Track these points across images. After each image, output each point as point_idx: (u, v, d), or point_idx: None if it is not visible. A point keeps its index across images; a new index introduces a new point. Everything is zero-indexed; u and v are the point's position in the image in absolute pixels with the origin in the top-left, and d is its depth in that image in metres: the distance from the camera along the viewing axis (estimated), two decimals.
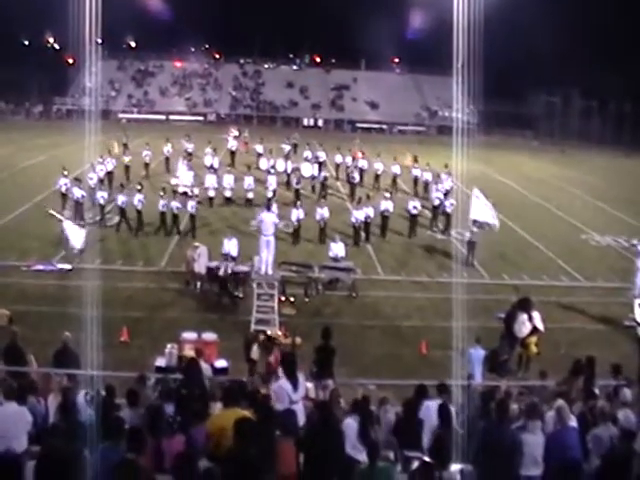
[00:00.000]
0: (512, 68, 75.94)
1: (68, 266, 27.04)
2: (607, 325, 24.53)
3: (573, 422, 11.23)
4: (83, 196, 33.84)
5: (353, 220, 33.25)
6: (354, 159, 47.86)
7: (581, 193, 49.88)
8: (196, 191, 37.29)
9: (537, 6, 70.36)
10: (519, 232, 36.69)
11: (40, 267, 27.02)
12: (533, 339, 20.15)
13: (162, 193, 33.21)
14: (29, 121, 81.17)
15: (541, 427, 11.08)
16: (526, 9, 68.98)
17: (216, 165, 43.49)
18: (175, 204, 32.77)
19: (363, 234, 33.48)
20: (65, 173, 35.32)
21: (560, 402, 11.45)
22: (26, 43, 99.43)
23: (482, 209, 30.01)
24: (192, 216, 32.83)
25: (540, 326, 20.32)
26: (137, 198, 32.63)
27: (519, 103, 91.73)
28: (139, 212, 32.66)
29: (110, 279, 25.51)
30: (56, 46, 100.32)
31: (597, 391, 13.88)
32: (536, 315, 20.36)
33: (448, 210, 35.92)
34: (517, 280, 28.34)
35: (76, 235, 28.32)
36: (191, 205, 32.87)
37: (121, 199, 32.91)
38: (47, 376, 13.81)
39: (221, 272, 25.05)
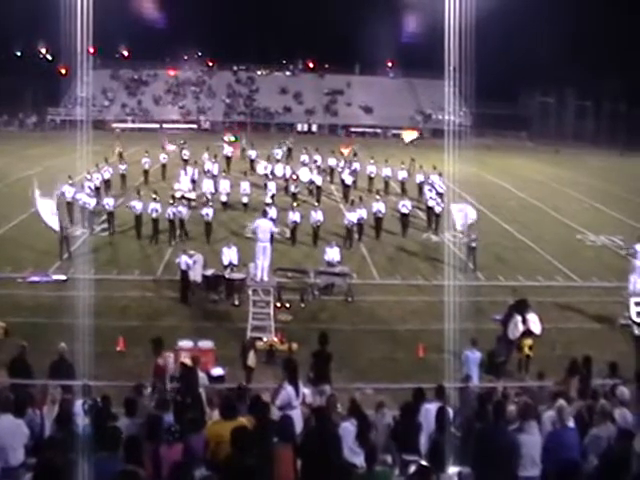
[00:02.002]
0: (506, 69, 76.00)
1: (63, 277, 27.02)
2: (603, 324, 24.57)
3: (571, 422, 11.24)
4: (88, 204, 34.38)
5: (346, 222, 33.65)
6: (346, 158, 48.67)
7: (576, 193, 49.96)
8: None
9: (530, 7, 70.52)
10: (514, 233, 36.74)
11: (35, 278, 26.97)
12: (527, 342, 20.15)
13: (171, 201, 33.81)
14: (23, 132, 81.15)
15: (538, 427, 11.08)
16: (519, 10, 69.13)
17: (215, 171, 44.34)
18: (184, 211, 33.56)
19: (356, 236, 33.82)
20: (70, 181, 35.65)
21: (561, 402, 11.45)
22: (19, 54, 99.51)
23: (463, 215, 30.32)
24: (208, 223, 33.26)
25: (535, 329, 20.31)
26: (152, 207, 33.02)
27: (513, 104, 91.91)
28: (155, 220, 33.01)
29: (106, 289, 25.53)
30: (49, 57, 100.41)
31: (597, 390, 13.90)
32: (532, 318, 20.35)
33: (437, 211, 36.37)
34: (513, 281, 28.38)
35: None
36: (206, 212, 33.41)
37: (137, 206, 33.48)
38: (44, 388, 13.79)
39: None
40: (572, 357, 15.81)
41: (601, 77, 77.30)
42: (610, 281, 28.55)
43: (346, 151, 53.66)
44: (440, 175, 41.56)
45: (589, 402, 12.71)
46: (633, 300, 24.37)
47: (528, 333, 20.26)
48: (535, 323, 20.39)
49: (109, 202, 34.35)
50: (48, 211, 30.00)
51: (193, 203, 37.32)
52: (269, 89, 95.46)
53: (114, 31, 67.56)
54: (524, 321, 20.25)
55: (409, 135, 48.02)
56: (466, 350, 17.62)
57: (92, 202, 34.60)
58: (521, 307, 20.71)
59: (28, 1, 67.72)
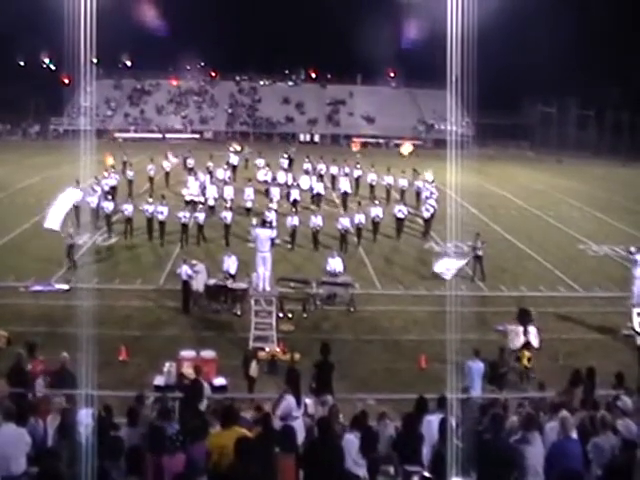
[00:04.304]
0: (508, 79, 75.98)
1: (66, 286, 27.03)
2: (606, 335, 24.50)
3: (574, 433, 11.21)
4: (107, 208, 35.63)
5: (339, 227, 34.25)
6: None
7: (578, 203, 49.92)
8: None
9: (532, 16, 70.66)
10: (516, 243, 36.72)
11: (38, 287, 26.99)
12: (526, 353, 20.19)
13: (190, 205, 36.10)
14: (26, 141, 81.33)
15: (541, 438, 11.05)
16: (521, 20, 69.29)
17: (227, 178, 45.64)
18: (201, 216, 34.84)
19: (355, 240, 34.91)
20: (78, 186, 35.94)
21: (564, 413, 11.43)
22: (22, 64, 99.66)
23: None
24: (227, 226, 34.51)
25: (534, 342, 20.36)
26: (159, 209, 34.24)
27: (515, 114, 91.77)
28: (162, 223, 34.22)
29: (108, 298, 25.57)
30: (52, 66, 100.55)
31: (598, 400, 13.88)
32: (532, 330, 20.43)
33: (426, 216, 37.29)
34: (515, 292, 28.36)
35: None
36: (224, 216, 34.60)
37: (149, 209, 34.63)
38: (46, 397, 13.79)
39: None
40: (575, 368, 15.81)
41: (603, 86, 77.25)
42: (612, 291, 28.54)
43: (356, 148, 54.12)
44: (432, 182, 42.67)
45: (591, 412, 12.68)
46: (636, 310, 24.39)
47: (527, 345, 20.31)
48: (535, 336, 20.47)
49: (128, 207, 35.35)
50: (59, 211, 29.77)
51: (200, 207, 38.10)
52: (271, 99, 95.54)
53: (117, 41, 67.68)
54: (525, 332, 20.31)
55: (406, 148, 49.61)
56: (469, 361, 17.57)
57: (110, 206, 35.71)
58: (523, 318, 20.75)
59: (31, 10, 67.85)
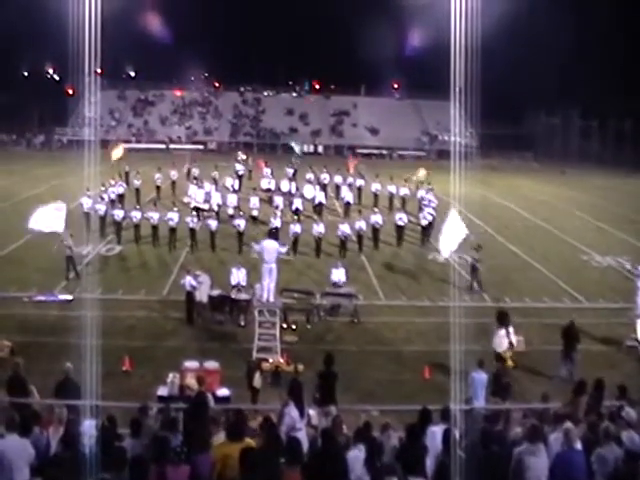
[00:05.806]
0: (511, 89, 76.10)
1: (69, 296, 27.06)
2: (609, 346, 24.45)
3: (578, 444, 11.18)
4: (117, 215, 36.40)
5: (339, 233, 34.91)
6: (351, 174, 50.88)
7: (581, 214, 49.91)
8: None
9: (536, 27, 70.80)
10: (520, 254, 36.69)
11: (41, 298, 27.02)
12: (509, 353, 20.40)
13: (195, 212, 37.22)
14: (30, 152, 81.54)
15: (545, 449, 11.02)
16: (525, 30, 69.45)
17: (236, 187, 47.35)
18: (213, 224, 35.59)
19: (356, 247, 35.59)
20: (89, 193, 37.38)
21: (568, 424, 11.39)
22: (26, 74, 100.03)
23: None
24: (240, 233, 35.12)
25: (514, 340, 20.59)
26: (169, 215, 35.28)
27: (518, 124, 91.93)
28: (173, 230, 35.06)
29: (112, 308, 25.54)
30: (56, 77, 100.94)
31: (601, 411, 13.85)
32: (511, 330, 20.74)
33: (423, 224, 37.93)
34: (519, 302, 28.30)
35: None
36: (237, 223, 35.25)
37: (155, 216, 35.69)
38: (49, 407, 13.76)
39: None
40: (580, 378, 15.80)
41: (606, 97, 77.29)
42: (616, 302, 28.46)
43: (352, 167, 54.79)
44: (432, 190, 43.20)
45: (592, 419, 12.64)
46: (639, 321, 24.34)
47: (510, 345, 20.55)
48: (514, 336, 20.78)
49: (136, 215, 36.16)
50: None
51: (206, 214, 38.99)
52: (275, 110, 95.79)
53: (121, 52, 68.05)
54: (507, 334, 20.56)
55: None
56: (472, 372, 17.53)
57: (120, 214, 36.39)
58: (504, 319, 20.96)
59: (35, 21, 68.14)
